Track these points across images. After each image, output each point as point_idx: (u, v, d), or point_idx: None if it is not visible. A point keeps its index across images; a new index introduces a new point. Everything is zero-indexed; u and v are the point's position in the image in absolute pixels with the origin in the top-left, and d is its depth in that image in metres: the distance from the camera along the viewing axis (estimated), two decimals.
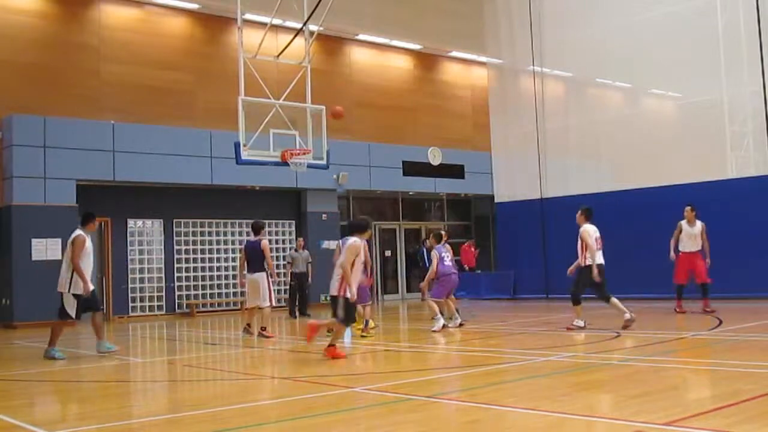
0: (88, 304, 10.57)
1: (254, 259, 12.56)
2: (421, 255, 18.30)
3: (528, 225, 20.64)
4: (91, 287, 10.57)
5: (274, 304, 12.72)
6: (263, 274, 12.48)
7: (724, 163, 17.64)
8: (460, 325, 12.57)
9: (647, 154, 18.31)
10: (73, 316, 10.44)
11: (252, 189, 20.85)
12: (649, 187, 17.63)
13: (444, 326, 12.08)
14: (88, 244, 10.57)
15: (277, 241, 21.58)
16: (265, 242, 12.66)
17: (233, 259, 20.42)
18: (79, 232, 10.60)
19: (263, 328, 12.42)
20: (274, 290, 13.11)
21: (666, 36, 18.02)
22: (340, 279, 9.14)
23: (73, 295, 10.37)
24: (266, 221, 19.34)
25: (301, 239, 18.44)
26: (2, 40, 18.16)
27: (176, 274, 19.97)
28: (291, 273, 17.50)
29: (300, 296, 17.67)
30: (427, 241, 19.26)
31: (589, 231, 11.26)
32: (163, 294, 19.80)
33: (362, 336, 11.86)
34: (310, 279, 17.66)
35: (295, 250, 17.75)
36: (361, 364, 9.49)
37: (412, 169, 23.25)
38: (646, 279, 17.13)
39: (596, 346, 9.45)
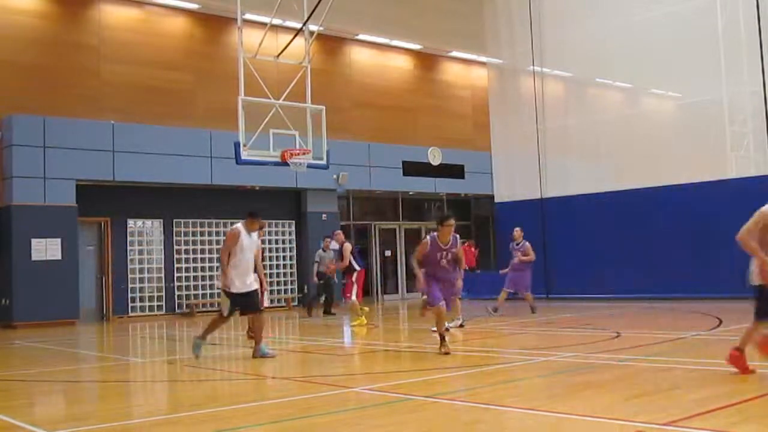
0: (246, 304, 9.69)
1: None
2: None
3: (528, 225, 20.54)
4: (241, 286, 9.53)
5: (265, 304, 12.45)
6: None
7: (724, 163, 17.64)
8: (461, 326, 12.56)
9: (647, 154, 18.31)
10: (224, 313, 9.69)
11: (252, 189, 20.83)
12: (649, 187, 17.62)
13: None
14: (244, 239, 9.55)
15: (276, 241, 21.58)
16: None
17: None
18: (236, 225, 9.79)
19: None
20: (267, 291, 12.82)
21: (666, 36, 18.01)
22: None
23: (225, 291, 9.59)
24: (266, 221, 19.33)
25: (328, 239, 17.40)
26: (2, 40, 18.15)
27: (176, 274, 19.96)
28: (317, 273, 17.26)
29: (326, 296, 17.51)
30: None
31: None
32: (163, 294, 19.80)
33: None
34: (335, 278, 17.45)
35: (323, 250, 17.29)
36: (361, 364, 9.49)
37: (412, 169, 23.24)
38: (646, 279, 17.13)
39: (596, 346, 9.44)
